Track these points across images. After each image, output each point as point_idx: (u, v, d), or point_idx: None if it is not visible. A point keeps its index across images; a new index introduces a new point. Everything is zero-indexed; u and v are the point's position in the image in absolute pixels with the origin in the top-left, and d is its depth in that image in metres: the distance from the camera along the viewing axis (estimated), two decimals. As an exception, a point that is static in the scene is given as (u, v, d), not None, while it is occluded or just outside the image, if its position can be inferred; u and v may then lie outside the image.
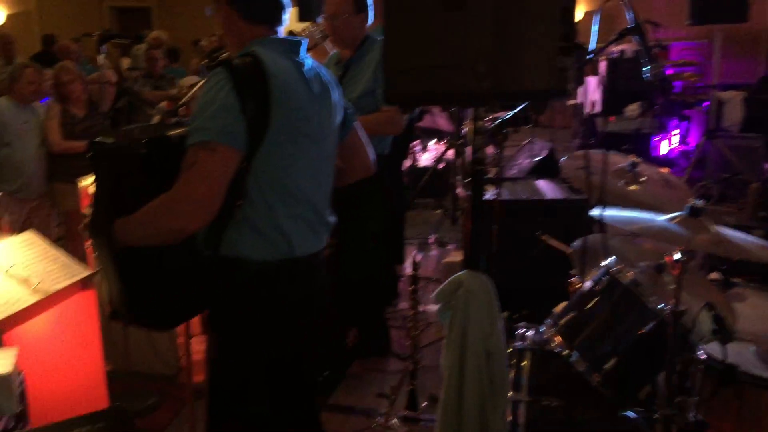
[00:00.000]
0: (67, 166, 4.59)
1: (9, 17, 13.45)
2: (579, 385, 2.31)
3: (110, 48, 7.40)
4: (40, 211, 4.75)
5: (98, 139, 1.96)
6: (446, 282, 2.03)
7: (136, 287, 1.98)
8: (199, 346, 3.43)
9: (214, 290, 1.99)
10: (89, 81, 5.55)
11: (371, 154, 2.30)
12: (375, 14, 3.46)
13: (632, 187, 2.69)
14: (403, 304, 4.43)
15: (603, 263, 2.48)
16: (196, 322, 3.10)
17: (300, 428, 2.16)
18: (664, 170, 3.02)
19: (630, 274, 2.37)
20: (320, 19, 3.35)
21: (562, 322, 2.44)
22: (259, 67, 1.81)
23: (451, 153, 6.68)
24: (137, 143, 1.91)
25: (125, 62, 8.39)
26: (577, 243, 2.86)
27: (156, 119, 2.54)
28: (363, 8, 3.40)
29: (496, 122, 2.55)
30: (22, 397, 2.15)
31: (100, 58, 3.37)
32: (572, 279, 2.66)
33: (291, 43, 1.98)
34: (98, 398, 3.03)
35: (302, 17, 4.43)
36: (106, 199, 1.96)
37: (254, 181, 1.86)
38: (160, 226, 1.83)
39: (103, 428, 1.68)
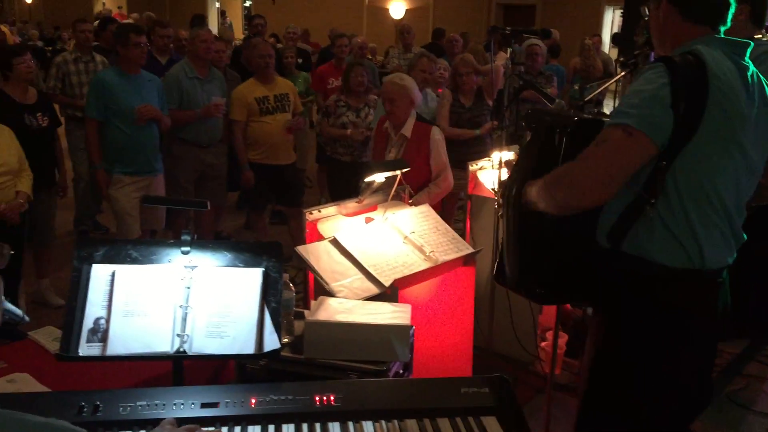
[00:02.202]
0: (451, 151, 4.93)
1: (408, 11, 15.04)
2: None
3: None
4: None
5: (538, 108, 2.08)
6: None
7: (527, 254, 2.08)
8: (559, 341, 3.46)
9: (605, 286, 1.96)
10: (483, 72, 5.89)
11: None
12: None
13: None
14: (786, 344, 3.93)
15: None
16: (552, 315, 3.12)
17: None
18: None
19: None
20: None
21: None
22: (701, 66, 1.73)
23: None
24: (570, 119, 2.01)
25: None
26: None
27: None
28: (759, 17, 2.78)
29: None
30: (411, 348, 2.37)
31: (503, 53, 3.56)
32: None
33: (737, 44, 1.84)
34: (463, 367, 3.24)
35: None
36: (527, 162, 2.10)
37: (673, 180, 1.79)
38: (554, 193, 1.88)
39: (487, 392, 1.77)
